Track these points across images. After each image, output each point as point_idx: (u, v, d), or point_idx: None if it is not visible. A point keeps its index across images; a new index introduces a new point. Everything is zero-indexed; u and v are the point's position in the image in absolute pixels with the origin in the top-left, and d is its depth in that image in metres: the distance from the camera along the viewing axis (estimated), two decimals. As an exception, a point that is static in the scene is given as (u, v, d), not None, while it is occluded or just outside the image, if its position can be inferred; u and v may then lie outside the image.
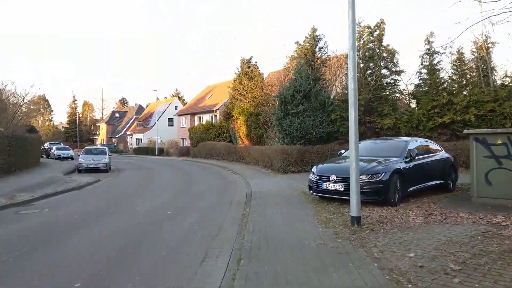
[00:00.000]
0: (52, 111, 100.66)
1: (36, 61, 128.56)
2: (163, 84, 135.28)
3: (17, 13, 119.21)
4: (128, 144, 66.00)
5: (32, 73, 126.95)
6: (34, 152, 23.64)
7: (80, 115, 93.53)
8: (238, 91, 25.19)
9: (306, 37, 19.50)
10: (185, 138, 44.47)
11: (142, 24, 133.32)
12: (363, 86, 18.58)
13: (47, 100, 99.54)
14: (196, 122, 42.36)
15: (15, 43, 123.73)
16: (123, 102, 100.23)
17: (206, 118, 41.08)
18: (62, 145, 41.39)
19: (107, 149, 23.94)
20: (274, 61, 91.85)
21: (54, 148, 37.78)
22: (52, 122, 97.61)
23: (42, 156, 40.18)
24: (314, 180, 8.91)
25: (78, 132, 77.35)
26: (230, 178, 17.20)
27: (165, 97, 72.69)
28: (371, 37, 18.93)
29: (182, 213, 8.61)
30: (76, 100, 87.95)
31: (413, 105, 19.68)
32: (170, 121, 59.67)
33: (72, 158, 34.04)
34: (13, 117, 22.77)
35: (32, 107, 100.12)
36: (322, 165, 9.19)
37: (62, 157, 34.61)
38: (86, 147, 25.31)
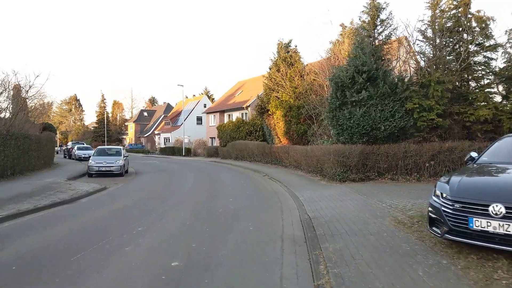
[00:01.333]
0: (84, 111, 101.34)
1: (71, 60, 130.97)
2: (192, 83, 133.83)
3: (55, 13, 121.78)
4: (156, 144, 63.78)
5: (66, 72, 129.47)
6: (42, 152, 20.74)
7: (110, 115, 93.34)
8: (275, 80, 21.09)
9: (364, 6, 15.08)
10: (214, 138, 41.16)
11: (171, 22, 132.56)
12: (444, 67, 13.96)
13: (78, 100, 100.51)
14: (226, 120, 38.82)
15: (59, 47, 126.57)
16: (152, 101, 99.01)
17: (236, 115, 37.47)
18: (84, 145, 39.29)
19: (122, 149, 20.62)
20: (311, 52, 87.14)
21: (75, 148, 35.47)
22: (82, 122, 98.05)
23: (65, 157, 38.45)
24: (447, 209, 4.63)
25: (107, 131, 76.32)
26: (269, 188, 13.15)
27: (194, 95, 69.89)
28: (455, 2, 14.26)
29: (193, 270, 4.63)
30: (105, 99, 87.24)
31: None
32: (199, 119, 56.63)
33: (93, 159, 31.44)
34: (24, 114, 20.28)
35: (64, 107, 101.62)
36: (463, 179, 4.88)
37: (83, 157, 31.98)
38: (99, 147, 22.15)
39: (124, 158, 19.78)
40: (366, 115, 12.71)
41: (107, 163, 18.52)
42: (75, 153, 33.59)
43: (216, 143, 38.96)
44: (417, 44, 15.34)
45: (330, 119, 13.64)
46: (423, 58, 14.93)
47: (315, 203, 9.09)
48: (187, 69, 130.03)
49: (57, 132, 46.22)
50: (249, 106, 36.21)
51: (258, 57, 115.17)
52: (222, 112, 41.62)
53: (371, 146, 12.89)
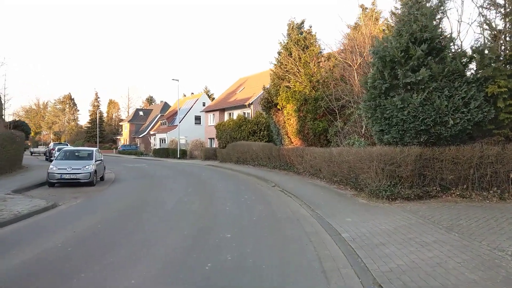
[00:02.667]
0: (78, 110, 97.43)
1: (66, 60, 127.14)
2: (192, 83, 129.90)
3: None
4: (152, 145, 59.80)
5: (60, 72, 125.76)
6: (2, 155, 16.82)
7: (105, 114, 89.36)
8: (285, 67, 17.09)
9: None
10: (213, 138, 37.28)
11: (170, 22, 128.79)
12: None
13: (72, 99, 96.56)
14: (226, 119, 34.94)
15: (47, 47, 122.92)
16: (150, 100, 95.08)
17: (237, 114, 33.61)
18: (69, 147, 35.41)
19: (97, 151, 16.64)
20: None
21: (56, 149, 31.50)
22: (76, 122, 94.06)
23: (46, 159, 34.51)
24: None
25: (100, 131, 72.36)
26: (285, 209, 9.12)
27: (192, 93, 65.93)
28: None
29: None
30: (98, 97, 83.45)
31: None
32: (197, 119, 52.66)
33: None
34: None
35: (58, 106, 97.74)
36: None
37: (61, 160, 28.00)
38: (64, 148, 18.22)
39: (97, 162, 15.81)
40: (427, 103, 8.72)
41: (72, 169, 14.51)
42: (55, 155, 29.65)
43: (216, 144, 35.12)
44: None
45: (371, 111, 9.65)
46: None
47: (376, 250, 5.13)
48: (187, 68, 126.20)
49: (31, 131, 41.94)
50: (251, 103, 32.45)
51: (260, 55, 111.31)
52: (222, 110, 37.82)
53: (432, 149, 8.94)
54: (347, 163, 10.65)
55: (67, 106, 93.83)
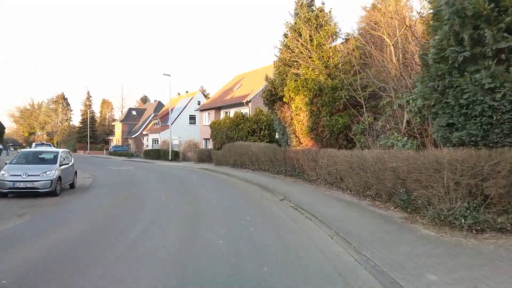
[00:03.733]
0: (71, 110, 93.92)
1: (65, 61, 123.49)
2: (187, 81, 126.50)
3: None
4: (144, 146, 56.45)
5: (56, 71, 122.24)
6: None
7: (99, 114, 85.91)
8: (293, 51, 13.87)
9: None
10: (209, 139, 34.14)
11: (165, 19, 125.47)
12: None
13: (66, 99, 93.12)
14: (222, 118, 31.77)
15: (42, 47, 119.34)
16: (144, 100, 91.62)
17: (234, 112, 30.50)
18: (52, 147, 32.26)
19: (61, 153, 13.34)
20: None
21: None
22: (69, 122, 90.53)
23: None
24: None
25: (92, 132, 69.02)
26: (307, 243, 5.84)
27: (187, 91, 62.59)
28: None
29: None
30: (90, 96, 79.95)
31: None
32: (192, 118, 49.48)
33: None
34: None
35: (51, 106, 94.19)
36: None
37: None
38: (23, 150, 14.98)
39: (63, 167, 12.59)
40: (535, 81, 5.57)
41: (28, 175, 11.32)
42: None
43: (211, 145, 31.97)
44: None
45: (435, 96, 6.46)
46: None
47: None
48: (182, 68, 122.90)
49: (4, 130, 38.72)
50: (249, 101, 29.46)
51: (258, 53, 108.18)
52: (218, 109, 34.69)
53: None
54: (392, 172, 7.46)
55: (60, 106, 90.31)
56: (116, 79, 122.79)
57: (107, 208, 9.71)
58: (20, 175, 11.26)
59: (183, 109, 51.17)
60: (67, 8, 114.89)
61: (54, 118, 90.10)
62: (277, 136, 24.56)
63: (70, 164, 13.83)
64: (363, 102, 10.81)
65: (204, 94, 62.79)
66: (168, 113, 54.35)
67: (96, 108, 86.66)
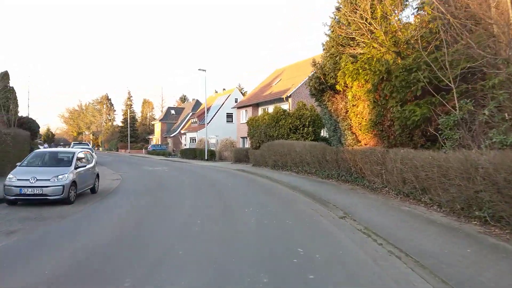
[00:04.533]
0: (115, 110, 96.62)
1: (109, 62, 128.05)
2: (225, 80, 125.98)
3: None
4: (182, 145, 55.71)
5: (101, 73, 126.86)
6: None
7: (140, 114, 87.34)
8: (349, 27, 11.02)
9: None
10: (246, 137, 32.07)
11: (206, 20, 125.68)
12: None
13: (109, 99, 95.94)
14: (260, 114, 29.46)
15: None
16: (183, 99, 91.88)
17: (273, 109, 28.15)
18: (88, 146, 31.84)
19: (78, 153, 11.59)
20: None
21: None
22: (112, 122, 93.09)
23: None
24: None
25: (133, 131, 69.77)
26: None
27: (224, 89, 61.02)
28: None
29: None
30: (131, 96, 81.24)
31: None
32: (229, 116, 47.72)
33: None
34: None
35: (96, 107, 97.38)
36: None
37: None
38: (36, 150, 13.48)
39: (79, 170, 10.87)
40: None
41: (37, 180, 9.67)
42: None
43: (248, 144, 29.83)
44: None
45: None
46: None
47: None
48: (220, 67, 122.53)
49: (40, 129, 38.89)
50: (290, 96, 27.04)
51: (298, 49, 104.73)
52: (255, 105, 32.50)
53: None
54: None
55: (104, 106, 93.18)
56: (157, 79, 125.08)
57: (124, 223, 7.60)
58: (28, 180, 9.60)
59: (220, 107, 49.64)
60: (108, 8, 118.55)
61: (98, 118, 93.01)
62: (323, 134, 21.74)
63: (89, 166, 12.09)
64: (453, 85, 7.85)
65: (241, 92, 60.96)
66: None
67: (138, 108, 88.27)
